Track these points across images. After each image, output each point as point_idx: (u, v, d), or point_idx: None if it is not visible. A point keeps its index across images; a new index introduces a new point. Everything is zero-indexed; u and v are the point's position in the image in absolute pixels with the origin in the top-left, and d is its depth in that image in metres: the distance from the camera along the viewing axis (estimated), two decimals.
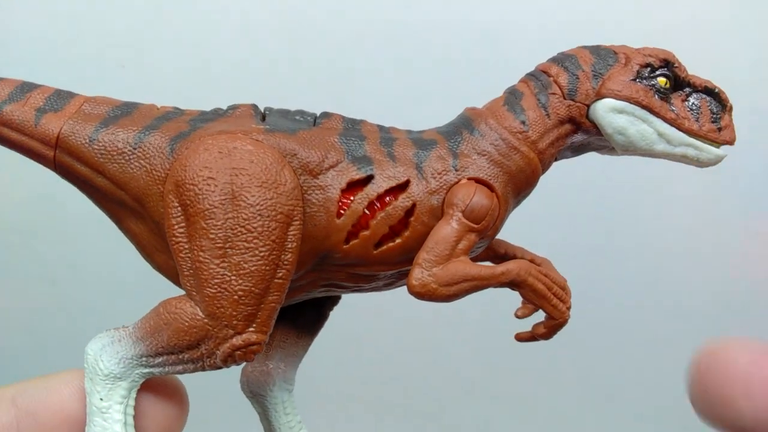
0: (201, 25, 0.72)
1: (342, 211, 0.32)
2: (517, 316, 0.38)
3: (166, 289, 0.34)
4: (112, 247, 0.73)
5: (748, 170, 0.77)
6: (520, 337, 0.36)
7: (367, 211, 0.33)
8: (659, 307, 0.79)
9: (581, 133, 0.35)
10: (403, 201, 0.33)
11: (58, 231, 0.74)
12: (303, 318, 0.38)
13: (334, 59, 0.70)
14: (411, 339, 0.76)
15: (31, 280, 0.74)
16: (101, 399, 0.31)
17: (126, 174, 0.32)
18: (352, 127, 0.34)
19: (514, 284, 0.33)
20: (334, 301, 0.39)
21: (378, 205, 0.33)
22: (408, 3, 0.73)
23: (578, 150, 0.37)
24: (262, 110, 0.35)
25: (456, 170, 0.33)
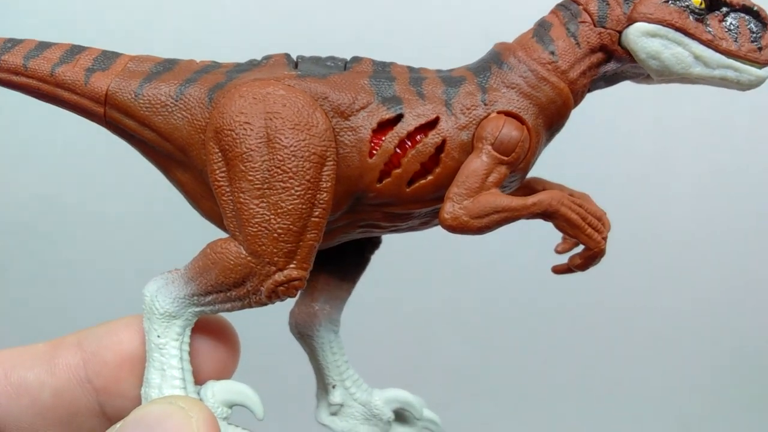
0: (201, 24, 0.71)
1: (374, 151, 0.33)
2: (558, 252, 0.38)
3: None
4: (112, 247, 0.74)
5: (749, 170, 0.75)
6: (557, 270, 0.36)
7: (398, 150, 0.33)
8: (659, 308, 0.78)
9: (614, 62, 0.34)
10: (433, 138, 0.33)
11: (58, 231, 0.74)
12: (345, 262, 0.39)
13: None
14: (409, 339, 0.75)
15: (31, 280, 0.75)
16: (158, 336, 0.34)
17: (170, 125, 0.34)
18: (382, 69, 0.35)
19: (546, 215, 0.33)
20: (374, 244, 0.40)
21: (409, 143, 0.33)
22: (409, 3, 0.71)
23: (612, 80, 0.36)
24: (295, 59, 0.36)
25: (485, 105, 0.34)
